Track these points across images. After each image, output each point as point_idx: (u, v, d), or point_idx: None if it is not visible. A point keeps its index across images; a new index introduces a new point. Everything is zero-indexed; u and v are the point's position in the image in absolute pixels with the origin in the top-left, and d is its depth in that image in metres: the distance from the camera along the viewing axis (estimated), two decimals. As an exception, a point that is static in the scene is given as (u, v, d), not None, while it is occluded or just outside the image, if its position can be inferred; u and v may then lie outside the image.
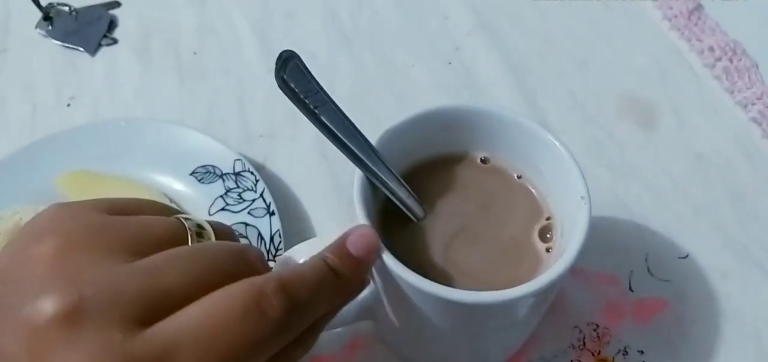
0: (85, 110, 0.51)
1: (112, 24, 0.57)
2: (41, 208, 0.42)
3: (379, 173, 0.31)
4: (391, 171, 0.31)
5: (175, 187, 0.44)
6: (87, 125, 0.48)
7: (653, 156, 0.46)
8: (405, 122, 0.33)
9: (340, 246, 0.27)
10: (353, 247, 0.27)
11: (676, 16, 0.55)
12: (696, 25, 0.54)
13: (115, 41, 0.56)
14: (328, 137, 0.30)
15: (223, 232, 0.28)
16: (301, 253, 0.30)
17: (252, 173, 0.43)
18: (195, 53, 0.54)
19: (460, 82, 0.52)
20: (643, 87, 0.51)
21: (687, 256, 0.40)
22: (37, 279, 0.21)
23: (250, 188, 0.43)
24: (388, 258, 0.28)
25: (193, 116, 0.50)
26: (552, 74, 0.52)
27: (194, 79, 0.53)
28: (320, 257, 0.26)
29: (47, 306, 0.20)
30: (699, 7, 0.56)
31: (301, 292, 0.23)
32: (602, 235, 0.41)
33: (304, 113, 0.29)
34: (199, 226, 0.26)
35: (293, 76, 0.29)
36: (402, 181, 0.32)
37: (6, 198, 0.43)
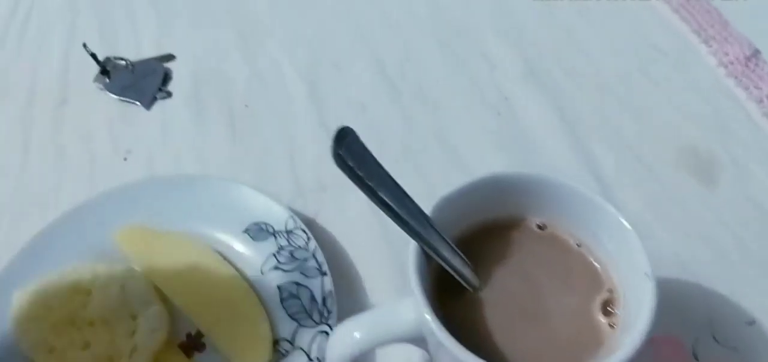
0: (142, 163, 0.52)
1: (166, 77, 0.59)
2: (99, 265, 0.44)
3: (433, 244, 0.30)
4: (446, 241, 0.31)
5: (229, 244, 0.44)
6: (143, 181, 0.49)
7: (714, 212, 0.45)
8: (460, 189, 0.33)
9: None
10: None
11: (732, 63, 0.54)
12: (753, 71, 0.53)
13: (169, 94, 0.57)
14: (383, 210, 0.30)
15: None
16: (355, 328, 0.30)
17: (304, 231, 0.43)
18: (246, 106, 0.55)
19: (510, 133, 0.51)
20: (700, 137, 0.49)
21: (754, 322, 0.39)
22: None
23: (302, 246, 0.43)
24: (444, 337, 0.28)
25: (245, 169, 0.50)
26: (606, 125, 0.51)
27: (246, 132, 0.53)
28: None
29: None
30: (756, 53, 0.54)
31: None
32: (663, 298, 0.39)
33: (360, 188, 0.29)
34: None
35: (350, 151, 0.29)
36: (457, 250, 0.31)
37: (65, 255, 0.44)
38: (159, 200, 0.47)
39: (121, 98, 0.57)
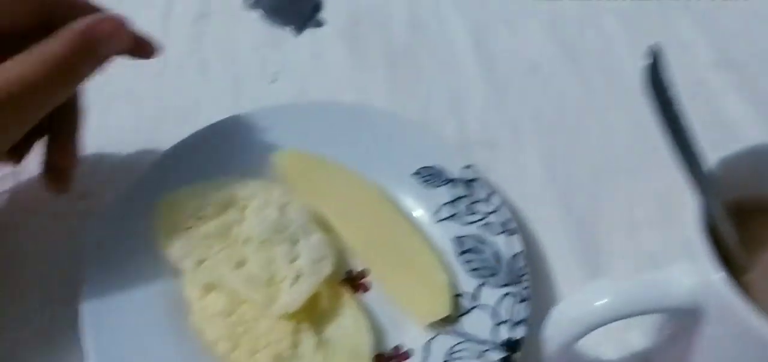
0: (291, 88, 0.49)
1: (317, 6, 0.55)
2: (254, 183, 0.40)
3: (716, 207, 0.26)
4: (724, 208, 0.26)
5: (397, 185, 0.40)
6: (301, 104, 0.45)
7: None
8: (737, 154, 0.28)
9: None
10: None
11: None
12: None
13: (320, 24, 0.53)
14: (677, 153, 0.25)
15: None
16: (602, 294, 0.26)
17: (486, 182, 0.39)
18: (407, 47, 0.51)
19: (704, 119, 0.45)
20: None
21: None
22: None
23: (484, 199, 0.38)
24: (744, 307, 0.23)
25: (405, 113, 0.46)
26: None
27: (406, 75, 0.49)
28: None
29: None
30: None
31: None
32: None
33: (663, 120, 0.25)
34: None
35: (661, 78, 0.24)
36: (731, 222, 0.27)
37: (212, 167, 0.41)
38: (317, 126, 0.42)
39: (269, 19, 0.54)
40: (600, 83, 0.48)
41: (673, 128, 0.25)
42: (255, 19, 0.54)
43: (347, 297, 0.36)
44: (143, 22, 0.53)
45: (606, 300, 0.26)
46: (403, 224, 0.38)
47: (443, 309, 0.34)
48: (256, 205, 0.38)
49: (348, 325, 0.35)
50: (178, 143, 0.41)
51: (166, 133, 0.43)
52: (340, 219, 0.39)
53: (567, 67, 0.49)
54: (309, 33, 0.53)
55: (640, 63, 0.48)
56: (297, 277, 0.35)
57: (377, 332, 0.35)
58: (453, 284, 0.36)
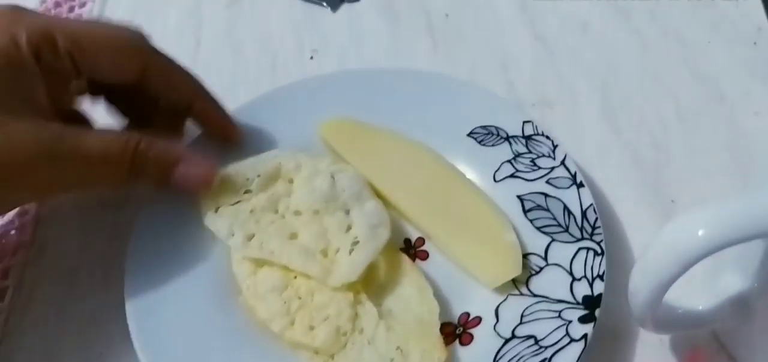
0: (330, 64, 0.47)
1: (352, -19, 0.53)
2: (301, 154, 0.38)
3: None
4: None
5: (450, 148, 0.38)
6: (344, 73, 0.43)
7: None
8: None
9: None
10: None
11: None
12: None
13: (356, -1, 0.52)
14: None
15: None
16: (698, 224, 0.23)
17: (548, 137, 0.37)
18: (447, 16, 0.49)
19: (769, 64, 0.43)
20: None
21: None
22: None
23: (547, 154, 0.36)
24: None
25: (452, 79, 0.44)
26: None
27: (449, 42, 0.47)
28: None
29: None
30: None
31: None
32: None
33: None
34: None
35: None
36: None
37: (260, 141, 0.39)
38: (361, 94, 0.40)
39: (303, -2, 0.52)
40: (654, 37, 0.45)
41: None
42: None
43: (407, 264, 0.34)
44: (178, 4, 0.53)
45: (710, 228, 0.24)
46: (461, 186, 0.36)
47: (513, 270, 0.32)
48: (304, 175, 0.36)
49: (411, 294, 0.33)
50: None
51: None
52: (392, 186, 0.36)
53: (618, 23, 0.46)
54: (345, 9, 0.51)
55: (700, 14, 0.46)
56: (353, 246, 0.33)
57: (441, 301, 0.32)
58: (521, 243, 0.33)
